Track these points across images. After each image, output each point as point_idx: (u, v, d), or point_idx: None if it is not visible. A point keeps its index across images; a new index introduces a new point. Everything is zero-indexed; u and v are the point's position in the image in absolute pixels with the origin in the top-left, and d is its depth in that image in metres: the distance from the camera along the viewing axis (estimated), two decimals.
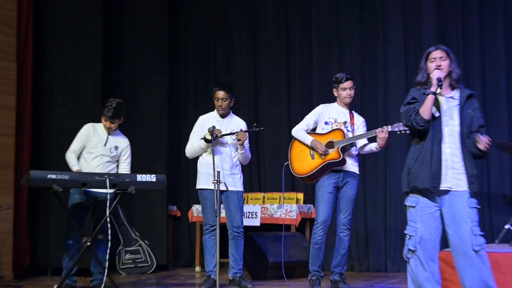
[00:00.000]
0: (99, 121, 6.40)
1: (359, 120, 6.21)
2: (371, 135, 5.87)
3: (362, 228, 8.14)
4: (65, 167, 6.31)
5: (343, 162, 5.95)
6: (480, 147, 4.41)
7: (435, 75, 4.47)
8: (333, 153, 5.92)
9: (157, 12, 8.63)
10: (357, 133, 6.05)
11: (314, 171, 5.98)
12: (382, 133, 5.76)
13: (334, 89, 6.19)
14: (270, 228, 7.85)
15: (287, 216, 7.75)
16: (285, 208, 7.81)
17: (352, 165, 6.07)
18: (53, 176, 5.58)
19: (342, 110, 6.19)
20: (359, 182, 6.32)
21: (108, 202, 5.71)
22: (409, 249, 4.47)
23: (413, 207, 4.50)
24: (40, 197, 7.66)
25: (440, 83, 4.45)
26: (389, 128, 5.75)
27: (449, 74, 4.55)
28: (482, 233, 4.44)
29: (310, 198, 8.07)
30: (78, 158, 6.37)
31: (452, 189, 4.45)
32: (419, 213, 4.47)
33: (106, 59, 8.19)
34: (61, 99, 7.95)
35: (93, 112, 7.33)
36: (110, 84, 8.20)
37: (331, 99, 6.32)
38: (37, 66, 7.84)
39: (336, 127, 6.07)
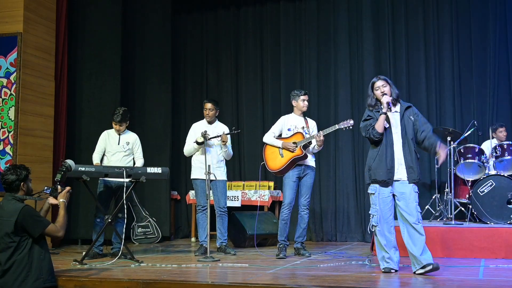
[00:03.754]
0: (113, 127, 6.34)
1: (312, 124, 6.15)
2: (311, 139, 5.88)
3: (318, 208, 8.09)
4: (92, 163, 6.20)
5: (305, 156, 5.90)
6: (439, 161, 4.67)
7: (385, 100, 4.59)
8: (297, 151, 5.89)
9: (163, 46, 8.53)
10: (312, 134, 6.00)
11: (284, 166, 5.90)
12: (318, 137, 5.80)
13: (294, 100, 6.09)
14: (248, 208, 7.80)
15: (261, 199, 7.72)
16: (259, 193, 7.78)
17: (310, 161, 6.01)
18: (83, 169, 5.59)
19: (299, 118, 6.12)
20: (316, 173, 6.23)
21: (125, 188, 5.67)
22: (373, 225, 4.63)
23: (373, 193, 4.63)
24: (71, 185, 7.42)
25: (389, 106, 4.61)
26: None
27: (390, 96, 4.68)
28: (420, 211, 4.60)
29: (279, 186, 8.01)
30: (103, 158, 6.25)
31: (401, 179, 4.58)
32: (378, 198, 4.61)
33: (123, 80, 8.07)
34: (89, 110, 7.83)
35: None
36: (126, 100, 8.10)
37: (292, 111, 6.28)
38: (71, 85, 7.71)
39: (296, 131, 6.02)
